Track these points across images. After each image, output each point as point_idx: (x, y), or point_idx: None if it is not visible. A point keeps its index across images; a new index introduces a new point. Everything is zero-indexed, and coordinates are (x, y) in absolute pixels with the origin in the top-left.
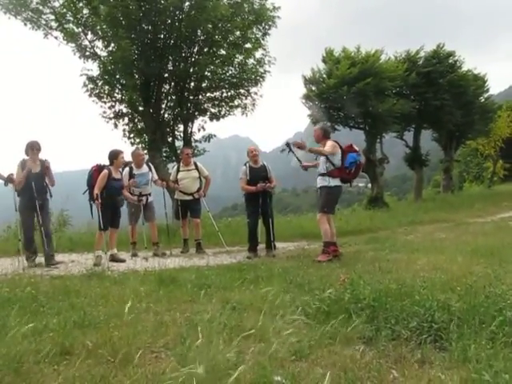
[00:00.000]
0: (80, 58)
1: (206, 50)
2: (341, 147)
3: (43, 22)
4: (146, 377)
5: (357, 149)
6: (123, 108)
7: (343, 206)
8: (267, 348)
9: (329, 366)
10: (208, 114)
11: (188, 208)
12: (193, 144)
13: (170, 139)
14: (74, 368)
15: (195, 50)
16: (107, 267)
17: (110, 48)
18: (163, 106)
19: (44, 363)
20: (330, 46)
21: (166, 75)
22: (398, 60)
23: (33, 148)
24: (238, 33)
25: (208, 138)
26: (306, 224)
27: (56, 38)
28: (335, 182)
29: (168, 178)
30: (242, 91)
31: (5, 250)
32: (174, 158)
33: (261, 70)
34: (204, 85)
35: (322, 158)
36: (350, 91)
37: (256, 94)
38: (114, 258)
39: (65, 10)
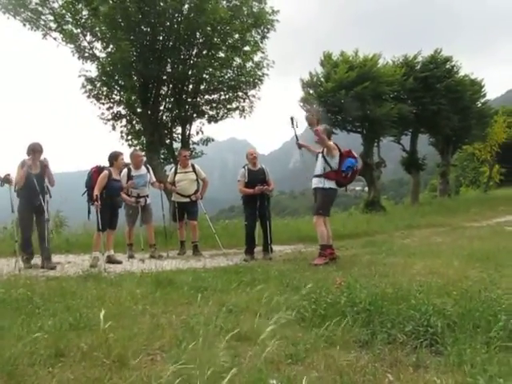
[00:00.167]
0: (79, 58)
1: (204, 52)
2: (340, 150)
3: (42, 23)
4: (141, 379)
5: (356, 155)
6: (121, 109)
7: (340, 209)
8: (263, 351)
9: (324, 370)
10: (206, 116)
11: (185, 210)
12: (190, 146)
13: (167, 141)
14: (69, 370)
15: (194, 53)
16: (104, 269)
17: (109, 49)
18: (161, 107)
19: (38, 365)
20: (328, 49)
21: (165, 77)
22: (396, 64)
23: (35, 151)
24: (236, 36)
25: (206, 141)
26: (303, 227)
27: (55, 38)
28: (330, 184)
29: (165, 179)
30: (240, 94)
31: (0, 251)
32: (171, 160)
33: (259, 72)
34: (202, 87)
35: (320, 159)
36: (347, 95)
37: (254, 96)
38: (110, 260)
39: (64, 11)
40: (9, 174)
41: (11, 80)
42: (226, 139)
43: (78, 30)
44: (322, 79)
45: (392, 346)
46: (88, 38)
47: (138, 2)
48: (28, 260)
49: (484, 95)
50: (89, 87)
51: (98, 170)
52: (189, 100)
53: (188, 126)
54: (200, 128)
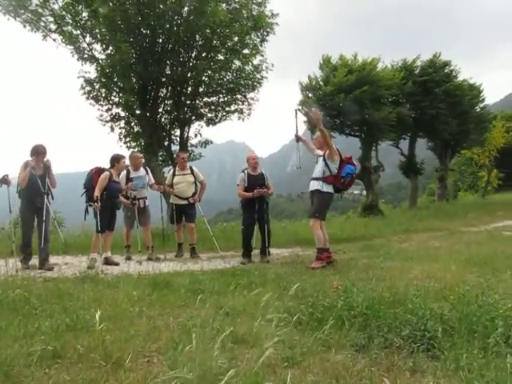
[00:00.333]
0: (78, 60)
1: (204, 54)
2: (341, 156)
3: (42, 24)
4: (137, 381)
5: (355, 163)
6: (120, 111)
7: (338, 212)
8: (260, 354)
9: (321, 374)
10: (204, 118)
11: (183, 212)
12: (189, 148)
13: (166, 143)
14: (65, 372)
15: (193, 55)
16: (101, 270)
17: (109, 51)
18: (160, 109)
19: (35, 366)
20: (327, 53)
21: (164, 79)
22: (395, 68)
23: (38, 152)
24: (236, 38)
25: (204, 143)
26: (301, 230)
27: (55, 40)
28: (328, 188)
29: (164, 182)
30: (238, 96)
31: None
32: (169, 162)
33: (258, 75)
34: (201, 89)
35: (320, 163)
36: (346, 99)
37: (253, 99)
38: (108, 261)
39: (64, 13)
40: (7, 175)
41: (11, 81)
42: (225, 142)
43: (78, 32)
44: (321, 83)
45: (389, 351)
46: (87, 39)
47: (138, 4)
48: (26, 261)
49: (483, 100)
50: (88, 89)
51: (99, 171)
52: (188, 102)
53: (186, 129)
54: (198, 130)
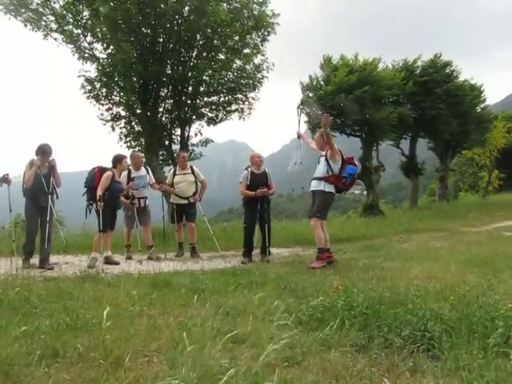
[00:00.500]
0: (79, 59)
1: (204, 54)
2: (342, 156)
3: (43, 24)
4: (137, 381)
5: (356, 163)
6: (121, 110)
7: (338, 212)
8: (260, 354)
9: (321, 373)
10: (205, 118)
11: (183, 212)
12: (189, 148)
13: (166, 143)
14: (65, 371)
15: (194, 55)
16: (101, 270)
17: (109, 50)
18: (161, 109)
19: (35, 366)
20: (328, 53)
21: (165, 79)
22: (396, 68)
23: (44, 151)
24: (236, 38)
25: (205, 142)
26: (301, 230)
27: (55, 39)
28: (330, 188)
29: (164, 181)
30: (239, 96)
31: None
32: (170, 162)
33: (259, 75)
34: (202, 89)
35: (322, 162)
36: (347, 98)
37: (253, 98)
38: (108, 261)
39: (65, 12)
40: (7, 174)
41: (12, 80)
42: (225, 141)
43: (79, 31)
44: (322, 82)
45: (389, 351)
46: (88, 38)
47: (139, 3)
48: (27, 260)
49: (484, 100)
50: (88, 88)
51: (101, 170)
52: (188, 102)
53: (187, 128)
54: (199, 130)
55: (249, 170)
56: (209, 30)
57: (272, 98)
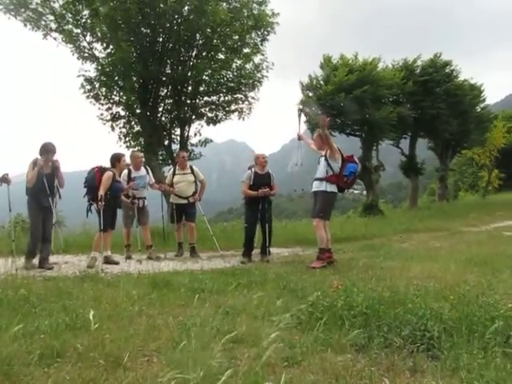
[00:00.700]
0: (78, 59)
1: (204, 54)
2: (342, 155)
3: (43, 23)
4: (137, 381)
5: (357, 161)
6: (120, 110)
7: (338, 212)
8: (259, 354)
9: (321, 373)
10: (205, 118)
11: (183, 212)
12: (189, 148)
13: (166, 142)
14: (65, 371)
15: (193, 54)
16: (101, 269)
17: (109, 50)
18: (160, 109)
19: (34, 365)
20: (328, 52)
21: (164, 78)
22: (396, 68)
23: (48, 151)
24: (236, 38)
25: (204, 142)
26: (301, 230)
27: (55, 38)
28: (332, 187)
29: (164, 181)
30: (239, 96)
31: None
32: (169, 162)
33: (258, 74)
34: (201, 89)
35: (322, 163)
36: (347, 98)
37: (253, 98)
38: (107, 260)
39: (64, 12)
40: (7, 174)
41: (12, 80)
42: (225, 141)
43: (78, 30)
44: (322, 82)
45: (389, 350)
46: (88, 38)
47: (139, 3)
48: (30, 260)
49: (483, 100)
50: (88, 87)
51: (101, 170)
52: (188, 101)
53: (187, 128)
54: (199, 130)
55: (252, 170)
56: (208, 30)
57: (272, 97)
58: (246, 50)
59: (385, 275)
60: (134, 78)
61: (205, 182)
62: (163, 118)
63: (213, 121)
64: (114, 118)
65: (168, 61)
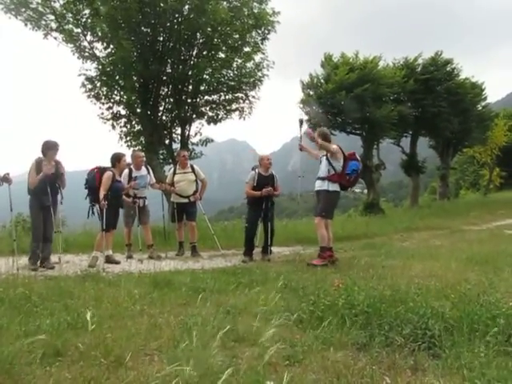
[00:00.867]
0: (79, 58)
1: (204, 53)
2: (343, 153)
3: (43, 23)
4: (138, 379)
5: (359, 158)
6: (121, 109)
7: (339, 211)
8: (261, 352)
9: (322, 372)
10: (205, 117)
11: (184, 211)
12: (190, 147)
13: (167, 142)
14: (66, 370)
15: (194, 53)
16: (102, 269)
17: (109, 49)
18: (161, 108)
19: (36, 364)
20: (328, 51)
21: (165, 78)
22: (396, 66)
23: (52, 148)
24: (236, 36)
25: (205, 141)
26: (302, 229)
27: (55, 38)
28: (334, 187)
29: (164, 180)
30: (239, 95)
31: None
32: (170, 161)
33: (259, 73)
34: (202, 88)
35: (324, 162)
36: (347, 97)
37: (254, 97)
38: (109, 260)
39: (65, 11)
40: (8, 173)
41: (12, 79)
42: (226, 140)
43: (79, 30)
44: (322, 80)
45: (390, 349)
46: (88, 37)
47: (139, 2)
48: (34, 261)
49: (485, 98)
50: (89, 86)
51: (100, 170)
52: (188, 101)
53: (187, 127)
54: (199, 129)
55: (256, 171)
56: (209, 29)
57: (272, 96)
58: (247, 49)
59: (386, 274)
60: (135, 78)
61: (206, 180)
62: (164, 117)
63: (213, 120)
64: (115, 117)
65: (168, 60)
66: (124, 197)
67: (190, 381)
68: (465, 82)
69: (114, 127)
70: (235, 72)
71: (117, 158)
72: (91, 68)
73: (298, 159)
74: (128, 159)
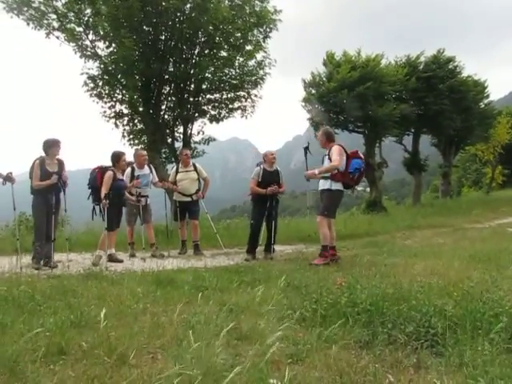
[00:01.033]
0: (81, 57)
1: (206, 51)
2: (346, 152)
3: (45, 22)
4: (142, 378)
5: (362, 156)
6: (123, 108)
7: (341, 209)
8: (263, 351)
9: (325, 370)
10: (207, 115)
11: (186, 209)
12: (192, 145)
13: (169, 140)
14: (70, 368)
15: (196, 52)
16: (105, 267)
17: (111, 48)
18: (163, 107)
19: (40, 363)
20: (331, 49)
21: (167, 76)
22: (399, 65)
23: (54, 145)
24: (238, 35)
25: (207, 140)
26: (304, 227)
27: (58, 37)
28: (337, 186)
29: (167, 179)
30: (242, 93)
31: (2, 249)
32: (173, 159)
33: (261, 72)
34: (204, 86)
35: (326, 161)
36: (349, 95)
37: (256, 96)
38: (112, 258)
39: (67, 10)
40: (11, 173)
41: (15, 78)
42: (228, 139)
43: (81, 29)
44: (325, 79)
45: (393, 347)
46: (90, 36)
47: (141, 1)
48: (38, 260)
49: (487, 96)
50: (91, 85)
51: (101, 170)
52: (191, 99)
53: (190, 126)
54: (202, 127)
55: (261, 166)
56: (211, 27)
57: (274, 94)
58: (249, 48)
59: (388, 272)
60: (137, 76)
61: (208, 179)
62: (166, 116)
63: (216, 119)
64: (118, 115)
65: (170, 59)
66: (127, 195)
67: (193, 379)
68: (467, 80)
69: (116, 126)
70: (237, 70)
71: (116, 157)
72: (93, 67)
73: (299, 159)
74: (129, 158)
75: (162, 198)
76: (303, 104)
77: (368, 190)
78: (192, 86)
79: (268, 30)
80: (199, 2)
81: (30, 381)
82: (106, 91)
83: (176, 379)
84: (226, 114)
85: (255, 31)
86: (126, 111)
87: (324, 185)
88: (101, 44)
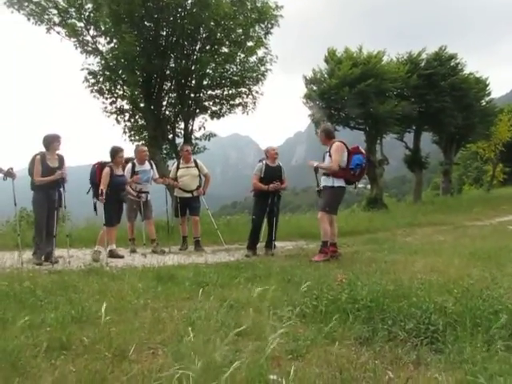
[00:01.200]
0: (82, 53)
1: (208, 47)
2: (347, 148)
3: (46, 17)
4: (142, 373)
5: (363, 151)
6: (124, 104)
7: (342, 206)
8: (264, 346)
9: (325, 366)
10: (209, 111)
11: (187, 205)
12: (193, 141)
13: (170, 136)
14: (71, 363)
15: (197, 48)
16: (106, 263)
17: (112, 44)
18: (164, 102)
19: (41, 358)
20: (332, 46)
21: (168, 72)
22: (400, 62)
23: (54, 140)
24: (240, 31)
25: (208, 136)
26: (305, 223)
27: (58, 33)
28: (339, 182)
29: (168, 175)
30: (243, 90)
31: (3, 245)
32: (174, 155)
33: (262, 68)
34: (205, 82)
35: (327, 158)
36: (351, 92)
37: (257, 92)
38: (112, 254)
39: (67, 6)
40: (11, 168)
41: (15, 73)
42: (229, 135)
43: (82, 24)
44: (326, 76)
45: (393, 344)
46: (91, 32)
47: None
48: (39, 255)
49: (489, 93)
50: (92, 81)
51: (101, 166)
52: (192, 95)
53: (191, 122)
54: (203, 123)
55: (263, 162)
56: (212, 23)
57: (275, 91)
58: (250, 44)
59: (389, 269)
60: (138, 72)
61: (209, 175)
62: (167, 112)
63: (217, 115)
64: (119, 111)
65: (172, 54)
66: (129, 190)
67: (194, 374)
68: (469, 77)
69: (118, 121)
70: (238, 67)
71: (113, 152)
72: (94, 62)
73: (301, 156)
74: (130, 154)
75: (162, 194)
76: (304, 101)
77: (369, 187)
78: (193, 81)
79: (269, 26)
80: None
81: (31, 376)
82: (107, 87)
83: (176, 374)
84: (227, 110)
85: (256, 27)
86: (127, 107)
87: (326, 182)
88: (102, 39)
